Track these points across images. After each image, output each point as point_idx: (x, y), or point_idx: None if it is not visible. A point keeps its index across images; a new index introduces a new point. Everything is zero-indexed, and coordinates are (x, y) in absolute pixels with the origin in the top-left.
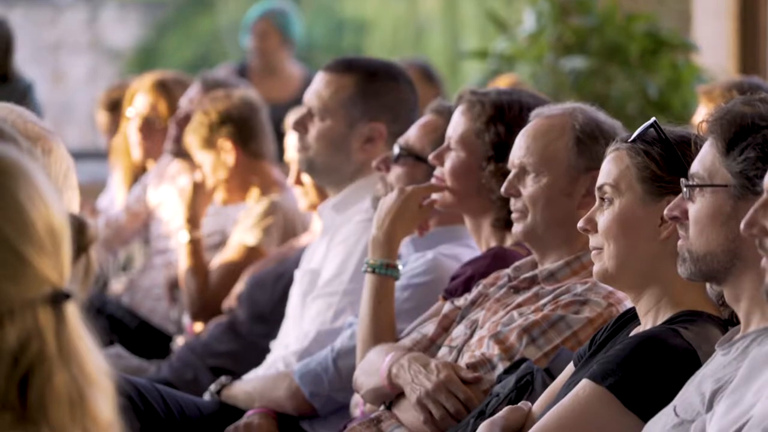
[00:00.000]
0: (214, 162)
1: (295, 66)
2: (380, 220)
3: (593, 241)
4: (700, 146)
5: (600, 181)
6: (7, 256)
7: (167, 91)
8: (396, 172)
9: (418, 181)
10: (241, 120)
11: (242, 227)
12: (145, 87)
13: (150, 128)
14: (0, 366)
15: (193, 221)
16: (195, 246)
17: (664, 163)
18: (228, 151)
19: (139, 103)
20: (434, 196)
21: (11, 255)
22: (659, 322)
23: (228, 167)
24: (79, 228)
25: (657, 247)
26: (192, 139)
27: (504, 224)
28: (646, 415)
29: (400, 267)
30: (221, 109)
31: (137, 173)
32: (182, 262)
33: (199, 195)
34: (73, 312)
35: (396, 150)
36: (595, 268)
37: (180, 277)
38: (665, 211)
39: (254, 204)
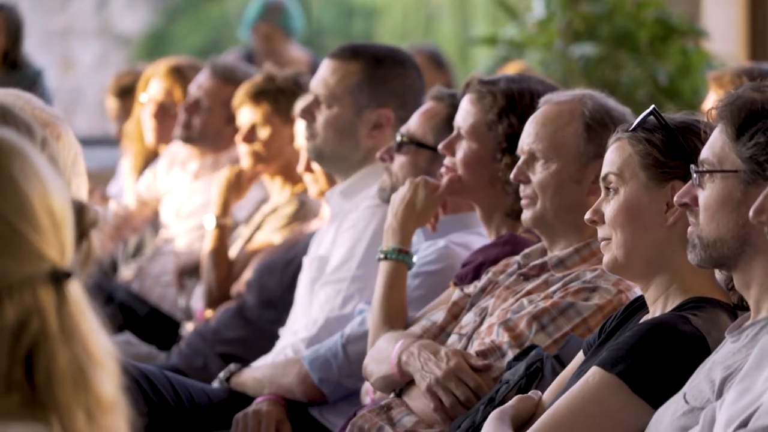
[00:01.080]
0: (272, 137)
1: (301, 52)
2: (394, 209)
3: (601, 232)
4: (709, 133)
5: (604, 170)
6: (3, 232)
7: (182, 76)
8: (399, 160)
9: (422, 167)
10: None
11: (271, 227)
12: (160, 73)
13: (165, 114)
14: (1, 343)
15: (224, 208)
16: (221, 233)
17: (666, 148)
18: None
19: (154, 88)
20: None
21: (7, 230)
22: (668, 309)
23: (286, 144)
24: (78, 212)
25: (664, 234)
26: (255, 108)
27: (517, 215)
28: (656, 401)
29: (414, 258)
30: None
31: (149, 159)
32: (205, 247)
33: (238, 184)
34: (76, 291)
35: (398, 138)
36: (605, 259)
37: (202, 262)
38: (675, 198)
39: (282, 199)
